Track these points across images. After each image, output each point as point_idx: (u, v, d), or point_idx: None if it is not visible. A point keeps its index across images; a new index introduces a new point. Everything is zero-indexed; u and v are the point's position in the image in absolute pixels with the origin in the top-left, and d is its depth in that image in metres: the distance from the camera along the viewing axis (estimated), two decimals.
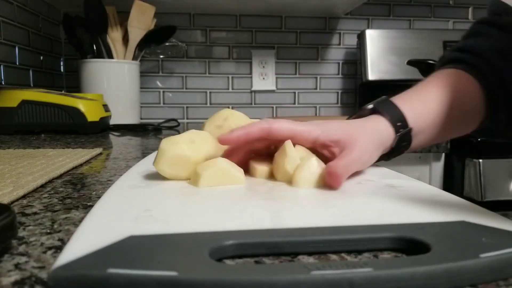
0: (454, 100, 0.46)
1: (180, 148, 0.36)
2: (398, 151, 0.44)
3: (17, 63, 1.07)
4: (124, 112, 1.14)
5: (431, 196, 0.31)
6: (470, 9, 1.56)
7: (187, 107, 1.47)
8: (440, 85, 0.48)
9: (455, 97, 0.46)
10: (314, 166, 0.34)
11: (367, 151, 0.38)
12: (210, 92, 1.47)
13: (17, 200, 0.33)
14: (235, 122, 0.45)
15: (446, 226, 0.24)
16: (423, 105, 0.45)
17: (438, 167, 0.94)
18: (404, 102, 0.44)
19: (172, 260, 0.19)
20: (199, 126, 0.47)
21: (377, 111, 0.43)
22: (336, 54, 1.52)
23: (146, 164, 0.45)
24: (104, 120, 0.97)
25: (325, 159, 0.38)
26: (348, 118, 0.47)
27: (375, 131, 0.41)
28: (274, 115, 1.51)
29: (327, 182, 0.34)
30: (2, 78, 1.00)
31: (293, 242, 0.22)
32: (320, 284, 0.17)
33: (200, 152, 0.37)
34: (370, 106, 0.44)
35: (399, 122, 0.42)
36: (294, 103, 1.51)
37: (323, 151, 0.39)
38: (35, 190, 0.36)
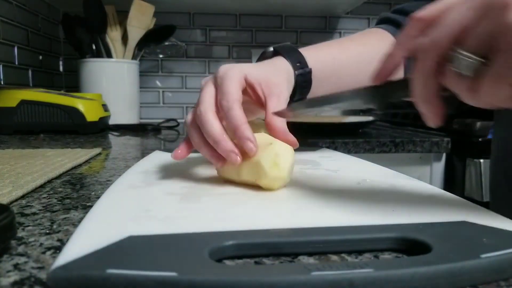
0: (366, 56, 0.47)
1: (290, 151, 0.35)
2: (300, 92, 0.45)
3: (16, 63, 1.07)
4: (123, 112, 1.14)
5: (432, 196, 0.31)
6: None
7: (186, 107, 1.46)
8: (356, 40, 0.49)
9: (367, 54, 0.47)
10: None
11: (285, 89, 0.40)
12: None
13: (16, 200, 0.33)
14: None
15: (447, 227, 0.24)
16: (329, 55, 0.46)
17: (439, 167, 0.94)
18: (309, 49, 0.46)
19: (172, 261, 0.19)
20: None
21: (278, 53, 0.45)
22: None
23: (145, 164, 0.45)
24: (103, 120, 0.97)
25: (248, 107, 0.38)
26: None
27: (283, 69, 0.42)
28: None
29: (273, 135, 0.35)
30: (1, 78, 1.00)
31: (293, 243, 0.22)
32: (320, 285, 0.17)
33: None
34: (271, 49, 0.46)
35: (298, 62, 0.43)
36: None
37: (244, 94, 0.38)
38: (34, 190, 0.36)
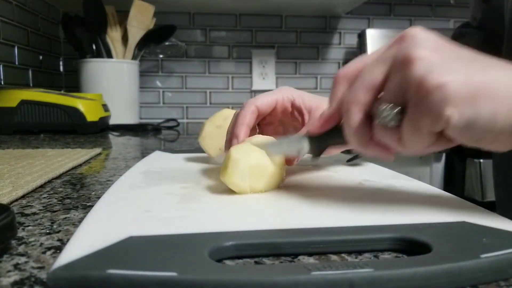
0: None
1: (255, 156, 0.32)
2: None
3: (16, 63, 1.07)
4: (123, 112, 1.14)
5: (432, 197, 0.31)
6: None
7: (187, 107, 1.47)
8: None
9: None
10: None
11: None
12: (210, 92, 1.47)
13: (16, 200, 0.33)
14: None
15: (446, 227, 0.24)
16: None
17: (438, 167, 0.94)
18: None
19: (172, 261, 0.19)
20: (199, 126, 0.47)
21: None
22: (336, 53, 1.52)
23: (145, 164, 0.45)
24: (103, 120, 0.97)
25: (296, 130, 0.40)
26: None
27: None
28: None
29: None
30: (1, 78, 1.00)
31: (294, 243, 0.22)
32: (320, 285, 0.17)
33: (274, 160, 0.33)
34: None
35: None
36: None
37: (296, 118, 0.40)
38: (34, 190, 0.36)
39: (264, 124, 0.43)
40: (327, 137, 0.30)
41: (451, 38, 0.60)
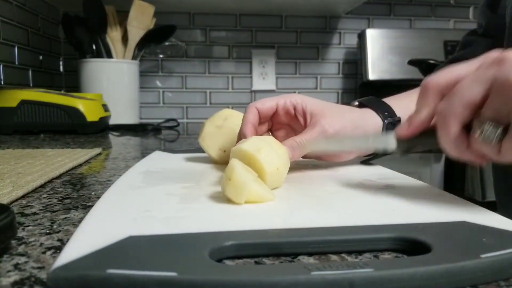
0: None
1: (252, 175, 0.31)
2: None
3: (17, 63, 1.07)
4: (123, 112, 1.14)
5: (432, 197, 0.31)
6: (471, 9, 1.56)
7: (187, 107, 1.46)
8: None
9: None
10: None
11: (334, 126, 0.39)
12: (210, 92, 1.47)
13: (16, 200, 0.33)
14: (235, 122, 0.45)
15: (446, 227, 0.24)
16: (412, 102, 0.45)
17: (438, 167, 0.94)
18: (392, 99, 0.45)
19: (172, 261, 0.19)
20: (199, 126, 0.47)
21: (363, 105, 0.44)
22: (336, 53, 1.51)
23: (145, 164, 0.45)
24: (103, 120, 0.97)
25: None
26: None
27: (370, 121, 0.42)
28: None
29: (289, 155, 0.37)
30: (1, 78, 1.00)
31: (293, 243, 0.22)
32: (320, 285, 0.17)
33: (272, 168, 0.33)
34: (356, 103, 0.45)
35: (386, 112, 0.43)
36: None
37: (298, 121, 0.42)
38: (34, 190, 0.36)
39: (274, 130, 0.45)
40: (416, 139, 0.31)
41: (459, 46, 0.60)
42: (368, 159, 0.46)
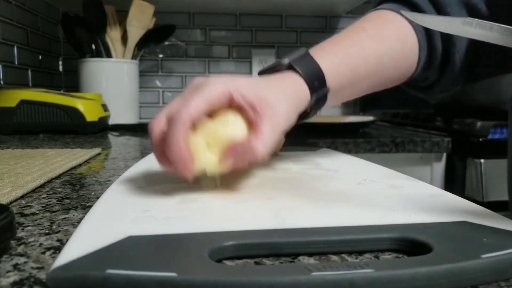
0: (385, 59, 0.43)
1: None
2: (314, 111, 0.41)
3: (16, 63, 1.07)
4: (123, 112, 1.14)
5: (432, 197, 0.31)
6: None
7: None
8: (374, 36, 0.43)
9: (387, 56, 0.43)
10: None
11: (284, 117, 0.33)
12: None
13: (15, 200, 0.33)
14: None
15: (447, 227, 0.24)
16: (346, 61, 0.41)
17: (439, 167, 0.94)
18: (326, 55, 0.40)
19: (171, 261, 0.19)
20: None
21: (293, 67, 0.38)
22: None
23: (145, 164, 0.45)
24: (103, 120, 0.97)
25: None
26: (259, 73, 0.42)
27: (292, 91, 0.36)
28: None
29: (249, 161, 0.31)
30: (1, 77, 1.00)
31: (294, 243, 0.22)
32: (320, 285, 0.17)
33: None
34: (287, 60, 0.39)
35: (316, 80, 0.38)
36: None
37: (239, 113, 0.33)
38: (33, 191, 0.36)
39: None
40: None
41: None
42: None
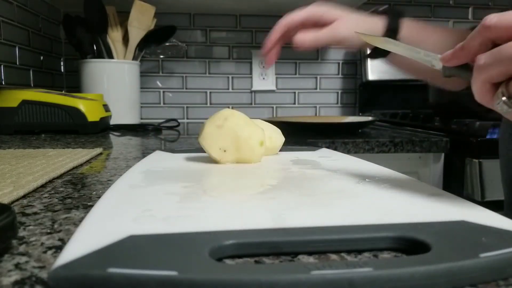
0: (449, 41, 0.55)
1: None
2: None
3: (17, 63, 1.07)
4: (124, 112, 1.14)
5: (431, 196, 0.31)
6: (470, 9, 1.56)
7: (187, 107, 1.47)
8: (449, 30, 0.58)
9: (450, 40, 0.55)
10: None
11: (345, 24, 0.52)
12: (210, 92, 1.47)
13: (17, 200, 0.33)
14: (235, 122, 0.45)
15: (446, 226, 0.24)
16: (418, 24, 0.56)
17: (438, 167, 0.94)
18: (409, 23, 0.55)
19: (172, 260, 0.19)
20: (199, 126, 0.47)
21: (385, 13, 0.55)
22: (336, 54, 1.52)
23: (146, 164, 0.45)
24: (104, 120, 0.97)
25: None
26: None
27: (371, 24, 0.54)
28: (274, 115, 1.51)
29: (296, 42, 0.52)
30: (3, 78, 1.00)
31: (293, 242, 0.22)
32: (320, 284, 0.17)
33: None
34: (380, 9, 0.57)
35: (392, 30, 0.53)
36: (294, 103, 1.51)
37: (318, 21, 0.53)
38: (35, 190, 0.36)
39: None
40: (456, 68, 0.32)
41: None
42: (375, 55, 0.58)
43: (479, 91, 0.29)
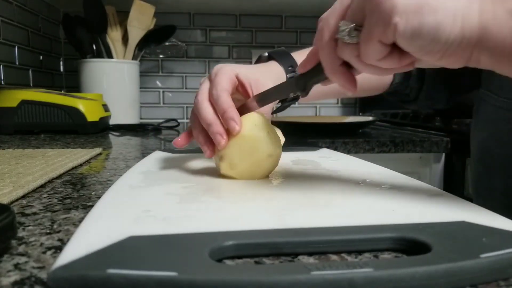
0: None
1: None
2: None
3: (17, 63, 1.07)
4: (123, 112, 1.14)
5: (431, 197, 0.31)
6: None
7: (187, 107, 1.47)
8: None
9: None
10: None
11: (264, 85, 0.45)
12: None
13: (16, 200, 0.33)
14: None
15: (446, 226, 0.24)
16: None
17: (438, 167, 0.94)
18: (301, 53, 0.51)
19: (172, 261, 0.19)
20: None
21: (272, 57, 0.51)
22: None
23: (146, 164, 0.45)
24: (103, 120, 0.97)
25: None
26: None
27: (274, 72, 0.49)
28: (274, 115, 1.50)
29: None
30: (2, 78, 1.00)
31: (293, 243, 0.22)
32: (320, 285, 0.17)
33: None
34: (266, 54, 0.52)
35: (289, 66, 0.49)
36: (294, 103, 1.51)
37: (237, 91, 0.43)
38: (34, 190, 0.36)
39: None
40: (311, 74, 0.34)
41: None
42: (278, 109, 0.53)
43: (326, 52, 0.30)
